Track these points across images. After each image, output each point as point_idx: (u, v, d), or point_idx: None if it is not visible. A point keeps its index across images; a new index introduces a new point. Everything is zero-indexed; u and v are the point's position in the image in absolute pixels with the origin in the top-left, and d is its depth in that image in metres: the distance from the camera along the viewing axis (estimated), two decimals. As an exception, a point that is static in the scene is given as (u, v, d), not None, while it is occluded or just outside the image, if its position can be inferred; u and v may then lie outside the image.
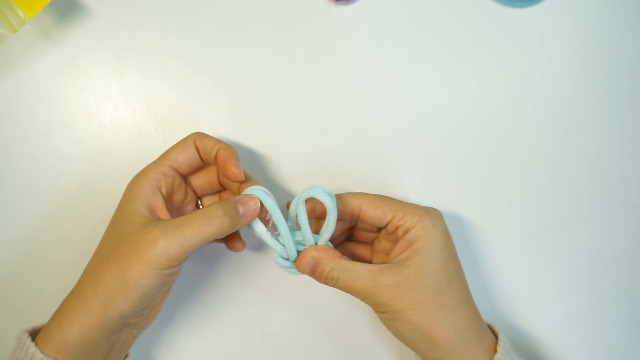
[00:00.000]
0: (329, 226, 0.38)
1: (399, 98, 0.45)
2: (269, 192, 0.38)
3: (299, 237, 0.39)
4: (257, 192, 0.37)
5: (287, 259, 0.39)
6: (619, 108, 0.46)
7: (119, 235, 0.36)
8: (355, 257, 0.41)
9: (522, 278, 0.46)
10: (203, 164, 0.40)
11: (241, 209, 0.37)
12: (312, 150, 0.45)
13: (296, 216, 0.38)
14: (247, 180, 0.39)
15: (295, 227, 0.39)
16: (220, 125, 0.45)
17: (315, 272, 0.38)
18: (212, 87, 0.45)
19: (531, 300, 0.46)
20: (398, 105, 0.45)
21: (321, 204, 0.37)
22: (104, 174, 0.44)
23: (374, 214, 0.39)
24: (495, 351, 0.37)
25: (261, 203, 0.37)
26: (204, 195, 0.42)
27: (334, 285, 0.38)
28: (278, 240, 0.38)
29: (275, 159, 0.45)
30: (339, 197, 0.39)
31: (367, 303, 0.38)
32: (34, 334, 0.37)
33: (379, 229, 0.42)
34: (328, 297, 0.45)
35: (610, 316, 0.46)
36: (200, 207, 0.42)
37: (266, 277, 0.45)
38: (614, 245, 0.46)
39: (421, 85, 0.45)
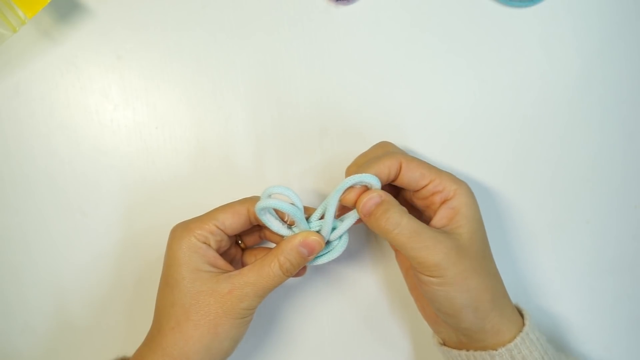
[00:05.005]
0: (350, 219, 0.38)
1: (399, 98, 0.45)
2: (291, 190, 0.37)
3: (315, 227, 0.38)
4: (283, 191, 0.37)
5: None
6: (619, 108, 0.46)
7: (193, 296, 0.36)
8: None
9: (522, 278, 0.46)
10: (252, 227, 0.40)
11: (305, 251, 0.37)
12: (312, 149, 0.45)
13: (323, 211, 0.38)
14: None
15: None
16: (220, 125, 0.45)
17: (377, 211, 0.36)
18: (212, 87, 0.45)
19: (531, 300, 0.46)
20: (398, 105, 0.45)
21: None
22: (104, 174, 0.44)
23: (412, 175, 0.37)
24: (523, 324, 0.38)
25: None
26: (243, 234, 0.42)
27: (392, 233, 0.35)
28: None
29: (275, 158, 0.45)
30: (378, 159, 0.38)
31: (422, 262, 0.35)
32: None
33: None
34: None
35: (610, 316, 0.46)
36: (240, 243, 0.43)
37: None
38: (614, 245, 0.46)
39: (421, 86, 0.45)
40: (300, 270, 0.40)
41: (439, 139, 0.45)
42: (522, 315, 0.40)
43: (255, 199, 0.39)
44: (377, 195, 0.36)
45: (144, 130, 0.45)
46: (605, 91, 0.45)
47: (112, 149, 0.45)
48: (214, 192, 0.45)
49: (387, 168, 0.37)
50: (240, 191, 0.44)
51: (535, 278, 0.46)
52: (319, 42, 0.45)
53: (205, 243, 0.37)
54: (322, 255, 0.39)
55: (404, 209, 0.36)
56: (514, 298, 0.40)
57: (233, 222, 0.38)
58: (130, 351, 0.40)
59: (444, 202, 0.38)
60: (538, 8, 0.45)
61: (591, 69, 0.45)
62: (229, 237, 0.39)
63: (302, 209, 0.38)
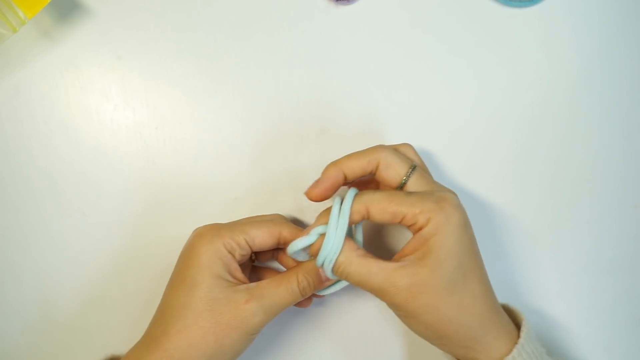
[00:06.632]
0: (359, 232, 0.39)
1: (399, 98, 0.45)
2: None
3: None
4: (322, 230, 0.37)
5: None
6: (619, 108, 0.46)
7: (208, 302, 0.36)
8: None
9: (522, 278, 0.46)
10: (276, 246, 0.40)
11: (323, 274, 0.38)
12: (312, 150, 0.45)
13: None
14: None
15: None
16: (220, 125, 0.45)
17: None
18: (212, 87, 0.45)
19: (531, 300, 0.46)
20: (398, 105, 0.45)
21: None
22: (104, 174, 0.44)
23: (383, 217, 0.36)
24: (515, 343, 0.37)
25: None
26: (259, 251, 0.41)
27: (346, 279, 0.37)
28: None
29: (275, 158, 0.45)
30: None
31: (382, 300, 0.37)
32: None
33: None
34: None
35: (610, 316, 0.46)
36: (252, 256, 0.42)
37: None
38: (614, 245, 0.46)
39: (421, 86, 0.45)
40: (305, 300, 0.41)
41: (439, 139, 0.45)
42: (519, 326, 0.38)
43: (286, 223, 0.39)
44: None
45: (144, 130, 0.45)
46: (605, 91, 0.45)
47: (112, 149, 0.45)
48: (214, 193, 0.45)
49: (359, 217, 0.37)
50: (240, 191, 0.45)
51: (535, 278, 0.46)
52: (319, 42, 0.45)
53: (230, 253, 0.37)
54: (332, 285, 0.40)
55: (353, 255, 0.36)
56: (514, 299, 0.40)
57: (263, 241, 0.38)
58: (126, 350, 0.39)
59: (417, 231, 0.36)
60: (538, 8, 0.45)
61: (591, 69, 0.45)
62: (252, 252, 0.39)
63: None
